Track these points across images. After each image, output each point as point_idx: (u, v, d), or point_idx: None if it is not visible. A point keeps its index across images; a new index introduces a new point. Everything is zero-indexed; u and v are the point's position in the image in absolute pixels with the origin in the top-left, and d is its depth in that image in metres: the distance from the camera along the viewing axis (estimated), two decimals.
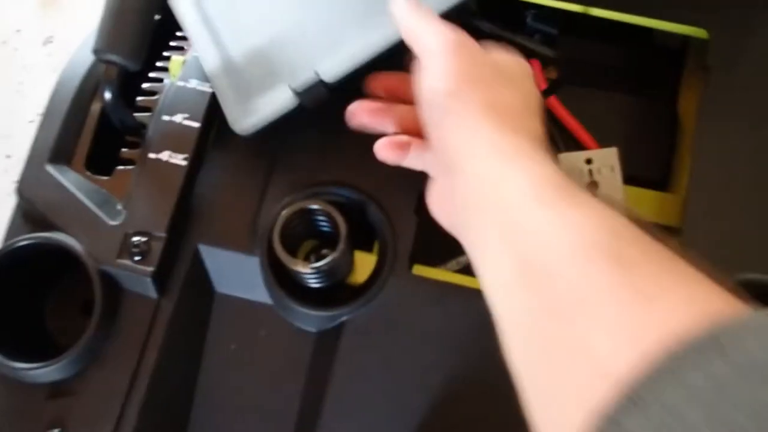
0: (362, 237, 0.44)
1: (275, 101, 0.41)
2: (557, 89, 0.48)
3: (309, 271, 0.39)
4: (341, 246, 0.39)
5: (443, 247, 0.47)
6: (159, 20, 0.44)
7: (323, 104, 0.41)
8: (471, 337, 0.41)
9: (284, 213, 0.39)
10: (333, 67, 0.40)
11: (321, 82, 0.40)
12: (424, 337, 0.42)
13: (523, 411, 0.26)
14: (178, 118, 0.44)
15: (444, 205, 0.36)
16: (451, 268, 0.47)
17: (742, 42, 0.45)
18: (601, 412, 0.20)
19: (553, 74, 0.52)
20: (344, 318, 0.42)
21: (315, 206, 0.39)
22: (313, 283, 0.41)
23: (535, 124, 0.33)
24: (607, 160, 0.47)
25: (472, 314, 0.41)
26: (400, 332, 0.42)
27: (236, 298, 0.45)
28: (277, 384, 0.44)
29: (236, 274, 0.44)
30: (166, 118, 0.44)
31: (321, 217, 0.40)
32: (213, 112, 0.44)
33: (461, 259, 0.47)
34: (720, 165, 0.43)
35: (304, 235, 0.43)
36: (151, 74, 0.47)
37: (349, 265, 0.42)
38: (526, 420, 0.26)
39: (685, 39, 0.48)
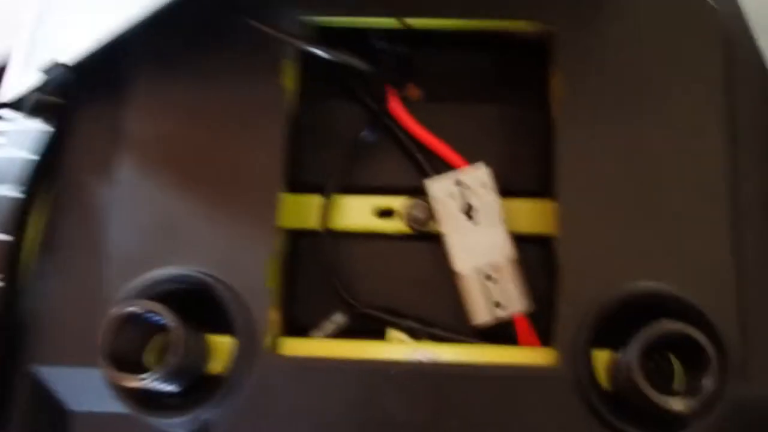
0: (221, 317, 0.39)
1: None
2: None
3: (143, 384, 0.34)
4: (179, 349, 0.35)
5: (316, 306, 0.44)
6: None
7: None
8: (347, 414, 0.37)
9: (107, 325, 0.35)
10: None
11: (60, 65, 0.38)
12: (300, 422, 0.37)
13: None
14: None
15: None
16: (326, 330, 0.42)
17: (591, 37, 0.41)
18: None
19: (415, 93, 0.48)
20: (208, 417, 0.38)
21: (135, 309, 0.35)
22: (163, 388, 0.36)
23: None
24: (478, 178, 0.43)
25: (348, 388, 0.37)
26: (272, 422, 0.38)
27: (95, 414, 0.40)
28: None
29: (88, 389, 0.39)
30: None
31: (152, 315, 0.36)
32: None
33: (335, 318, 0.42)
34: (587, 166, 0.39)
35: (148, 333, 0.38)
36: None
37: (199, 357, 0.38)
38: None
39: (541, 38, 0.43)
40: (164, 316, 0.34)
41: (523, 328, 0.42)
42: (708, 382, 0.32)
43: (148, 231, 0.40)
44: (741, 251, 0.38)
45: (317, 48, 0.42)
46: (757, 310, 0.38)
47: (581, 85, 0.41)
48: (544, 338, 0.42)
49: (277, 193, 0.40)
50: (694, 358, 0.34)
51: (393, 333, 0.42)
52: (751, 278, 0.38)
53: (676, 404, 0.32)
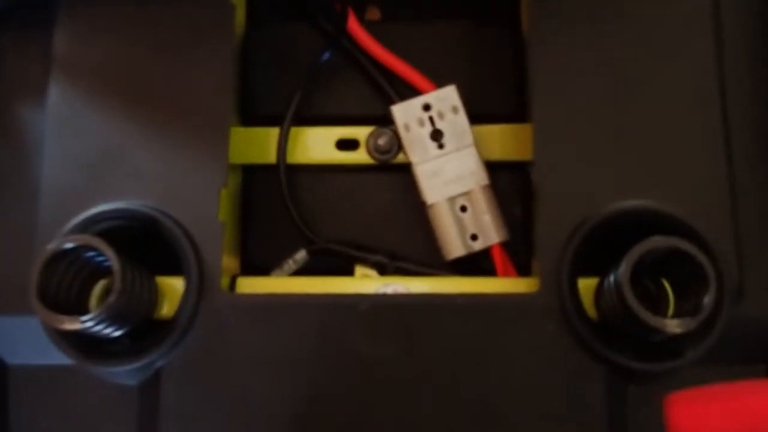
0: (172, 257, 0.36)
1: None
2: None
3: (82, 327, 0.31)
4: (119, 286, 0.31)
5: (276, 246, 0.40)
6: None
7: None
8: (309, 352, 0.34)
9: (38, 262, 0.31)
10: None
11: None
12: (259, 365, 0.34)
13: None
14: None
15: None
16: (288, 270, 0.39)
17: None
18: None
19: (376, 15, 0.44)
20: (158, 364, 0.34)
21: (70, 244, 0.31)
22: (106, 333, 0.33)
23: None
24: (447, 101, 0.39)
25: (313, 326, 0.33)
26: (230, 366, 0.34)
27: (36, 367, 0.37)
28: None
29: (25, 339, 0.36)
30: None
31: (91, 254, 0.32)
32: None
33: (297, 257, 0.39)
34: (563, 84, 0.36)
35: (89, 276, 0.34)
36: None
37: (145, 299, 0.34)
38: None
39: None
40: (102, 250, 0.31)
41: (501, 260, 0.39)
42: (708, 300, 0.29)
43: (87, 164, 0.36)
44: (732, 166, 0.35)
45: None
46: (751, 227, 0.35)
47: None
48: (523, 271, 0.39)
49: (228, 120, 0.36)
50: (688, 280, 0.31)
51: (360, 269, 0.38)
52: (744, 194, 0.35)
53: (673, 326, 0.29)
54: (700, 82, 0.36)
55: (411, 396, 0.33)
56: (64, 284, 0.32)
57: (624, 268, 0.30)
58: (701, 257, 0.30)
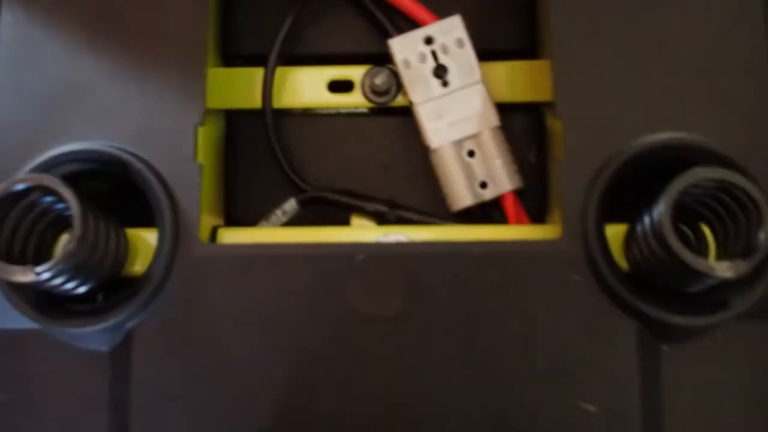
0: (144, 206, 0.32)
1: None
2: None
3: (35, 278, 0.26)
4: (79, 231, 0.27)
5: (264, 198, 0.36)
6: None
7: None
8: (300, 310, 0.30)
9: None
10: None
11: None
12: (240, 325, 0.30)
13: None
14: None
15: None
16: (276, 222, 0.35)
17: None
18: None
19: None
20: (129, 325, 0.30)
21: (22, 186, 0.27)
22: (67, 289, 0.29)
23: None
24: (451, 33, 0.35)
25: (298, 280, 0.29)
26: (210, 326, 0.30)
27: None
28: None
29: None
30: None
31: (49, 198, 0.28)
32: None
33: (286, 207, 0.35)
34: (584, 14, 0.32)
35: (49, 226, 0.30)
36: None
37: (112, 250, 0.30)
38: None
39: None
40: (58, 191, 0.26)
41: (514, 210, 0.35)
42: (763, 239, 0.25)
43: (45, 99, 0.31)
44: None
45: None
46: None
47: None
48: (538, 222, 0.35)
49: (205, 44, 0.32)
50: (734, 219, 0.27)
51: (357, 220, 0.34)
52: None
53: (723, 269, 0.25)
54: (740, 8, 0.32)
55: (418, 360, 0.29)
56: (19, 235, 0.28)
57: (664, 205, 0.26)
58: (754, 191, 0.26)
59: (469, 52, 0.35)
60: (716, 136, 0.30)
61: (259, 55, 0.36)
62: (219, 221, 0.35)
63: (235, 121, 0.37)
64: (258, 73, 0.36)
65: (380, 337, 0.29)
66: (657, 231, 0.26)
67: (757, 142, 0.30)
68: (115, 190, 0.32)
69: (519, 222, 0.35)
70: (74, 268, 0.27)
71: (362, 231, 0.33)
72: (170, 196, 0.30)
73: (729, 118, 0.31)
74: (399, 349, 0.29)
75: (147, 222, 0.31)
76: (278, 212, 0.34)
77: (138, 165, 0.30)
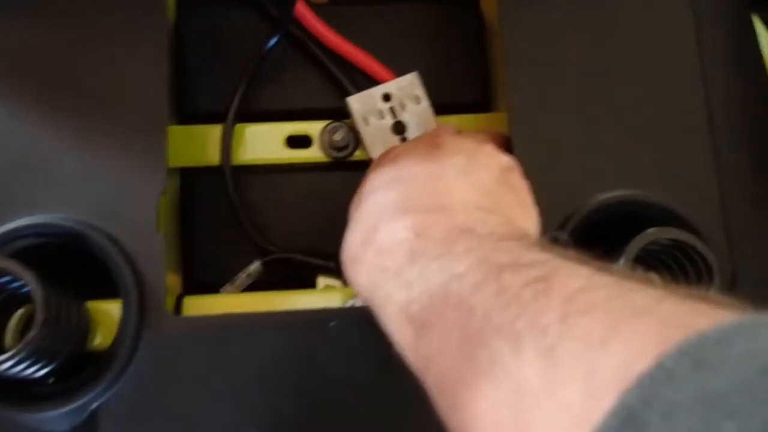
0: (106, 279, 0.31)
1: None
2: None
3: (1, 369, 0.26)
4: (39, 317, 0.26)
5: (225, 259, 0.35)
6: None
7: None
8: (273, 379, 0.29)
9: None
10: None
11: None
12: (213, 399, 0.29)
13: None
14: None
15: None
16: (241, 285, 0.34)
17: None
18: None
19: None
20: (94, 405, 0.29)
21: None
22: (28, 374, 0.28)
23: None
24: (408, 90, 0.36)
25: (270, 348, 0.29)
26: (178, 403, 0.29)
27: None
28: None
29: None
30: None
31: (5, 278, 0.27)
32: None
33: (251, 270, 0.34)
34: (539, 70, 0.33)
35: (2, 305, 0.29)
36: None
37: (74, 329, 0.29)
38: None
39: None
40: (18, 274, 0.26)
41: None
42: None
43: (1, 171, 0.31)
44: (717, 152, 0.33)
45: None
46: (740, 218, 0.32)
47: None
48: None
49: (164, 116, 0.31)
50: (683, 271, 0.28)
51: (323, 279, 0.34)
52: (732, 185, 0.33)
53: None
54: (681, 69, 0.34)
55: (395, 422, 0.29)
56: None
57: (623, 263, 0.27)
58: (704, 249, 0.27)
59: (426, 108, 0.35)
60: (664, 191, 0.31)
61: (215, 112, 0.36)
62: (179, 283, 0.34)
63: (190, 177, 0.37)
64: (216, 130, 0.36)
65: (356, 401, 0.29)
66: None
67: (704, 202, 0.32)
68: (71, 261, 0.31)
69: None
70: (36, 353, 0.26)
71: (330, 294, 0.33)
72: (134, 270, 0.29)
73: (675, 174, 0.32)
74: (374, 412, 0.29)
75: (104, 291, 0.30)
76: (243, 275, 0.34)
77: (98, 238, 0.30)
